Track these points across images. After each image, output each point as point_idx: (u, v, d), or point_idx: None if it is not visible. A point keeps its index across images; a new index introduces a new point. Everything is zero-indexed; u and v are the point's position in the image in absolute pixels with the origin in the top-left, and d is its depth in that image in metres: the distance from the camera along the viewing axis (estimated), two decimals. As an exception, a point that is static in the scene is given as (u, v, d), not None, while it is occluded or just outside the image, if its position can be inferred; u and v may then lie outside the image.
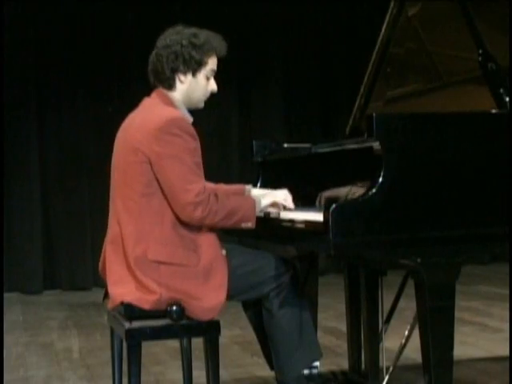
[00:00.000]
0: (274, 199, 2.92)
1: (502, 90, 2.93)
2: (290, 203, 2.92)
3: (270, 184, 3.39)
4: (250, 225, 2.82)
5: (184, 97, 2.88)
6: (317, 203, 3.10)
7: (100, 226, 7.03)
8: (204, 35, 2.87)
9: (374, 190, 2.55)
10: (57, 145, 7.60)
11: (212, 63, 2.89)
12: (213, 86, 2.92)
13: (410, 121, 2.67)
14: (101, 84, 7.64)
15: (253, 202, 2.85)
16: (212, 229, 2.83)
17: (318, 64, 8.21)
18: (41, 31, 7.48)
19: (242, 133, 8.06)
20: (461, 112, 2.84)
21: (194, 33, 2.87)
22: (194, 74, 2.86)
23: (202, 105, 2.94)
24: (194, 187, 2.69)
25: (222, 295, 2.76)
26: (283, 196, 2.93)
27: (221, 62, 2.93)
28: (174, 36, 2.86)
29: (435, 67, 3.44)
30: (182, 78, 2.86)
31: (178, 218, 2.75)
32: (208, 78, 2.90)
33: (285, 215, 2.89)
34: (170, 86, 2.87)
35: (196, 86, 2.88)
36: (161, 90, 2.89)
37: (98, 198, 7.39)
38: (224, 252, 2.83)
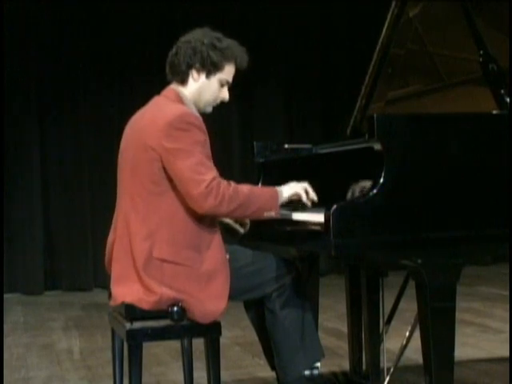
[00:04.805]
0: (295, 191, 2.85)
1: (502, 91, 2.93)
2: (312, 195, 2.86)
3: (272, 185, 3.38)
4: (273, 214, 2.76)
5: (194, 95, 2.86)
6: (349, 195, 3.00)
7: (101, 227, 7.09)
8: (228, 42, 2.85)
9: (374, 191, 2.55)
10: (58, 146, 7.60)
11: (228, 71, 2.86)
12: (225, 94, 2.90)
13: (411, 122, 2.67)
14: (102, 85, 7.64)
15: (274, 191, 2.80)
16: (218, 232, 2.80)
17: (319, 64, 8.21)
18: (42, 32, 7.48)
19: (242, 133, 8.06)
20: (462, 113, 2.84)
21: (219, 37, 2.85)
22: (207, 76, 2.84)
23: (209, 109, 2.92)
24: (204, 178, 2.65)
25: (222, 303, 2.74)
26: (303, 188, 2.86)
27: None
28: (198, 34, 2.85)
29: (436, 68, 3.44)
30: (196, 75, 2.84)
31: (188, 221, 2.72)
32: (222, 85, 2.88)
33: (285, 216, 2.89)
34: (183, 80, 2.86)
35: (208, 88, 2.86)
36: (172, 87, 2.88)
37: (99, 199, 7.39)
38: (228, 256, 2.81)
